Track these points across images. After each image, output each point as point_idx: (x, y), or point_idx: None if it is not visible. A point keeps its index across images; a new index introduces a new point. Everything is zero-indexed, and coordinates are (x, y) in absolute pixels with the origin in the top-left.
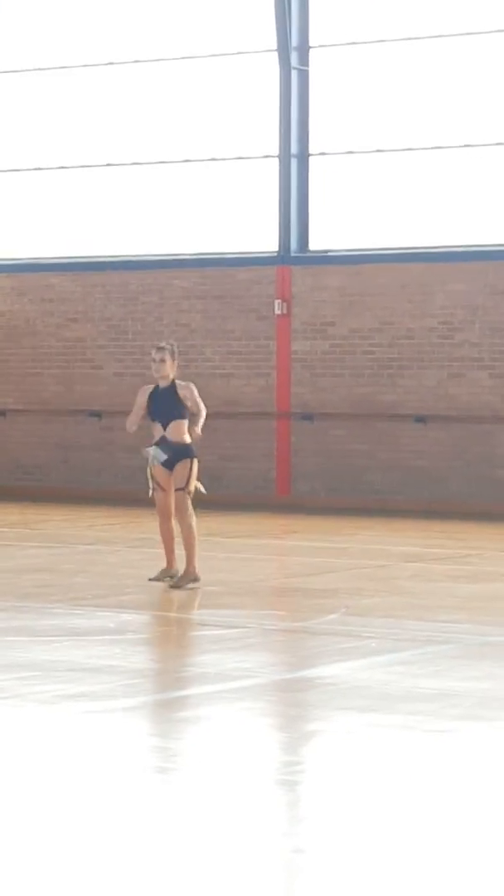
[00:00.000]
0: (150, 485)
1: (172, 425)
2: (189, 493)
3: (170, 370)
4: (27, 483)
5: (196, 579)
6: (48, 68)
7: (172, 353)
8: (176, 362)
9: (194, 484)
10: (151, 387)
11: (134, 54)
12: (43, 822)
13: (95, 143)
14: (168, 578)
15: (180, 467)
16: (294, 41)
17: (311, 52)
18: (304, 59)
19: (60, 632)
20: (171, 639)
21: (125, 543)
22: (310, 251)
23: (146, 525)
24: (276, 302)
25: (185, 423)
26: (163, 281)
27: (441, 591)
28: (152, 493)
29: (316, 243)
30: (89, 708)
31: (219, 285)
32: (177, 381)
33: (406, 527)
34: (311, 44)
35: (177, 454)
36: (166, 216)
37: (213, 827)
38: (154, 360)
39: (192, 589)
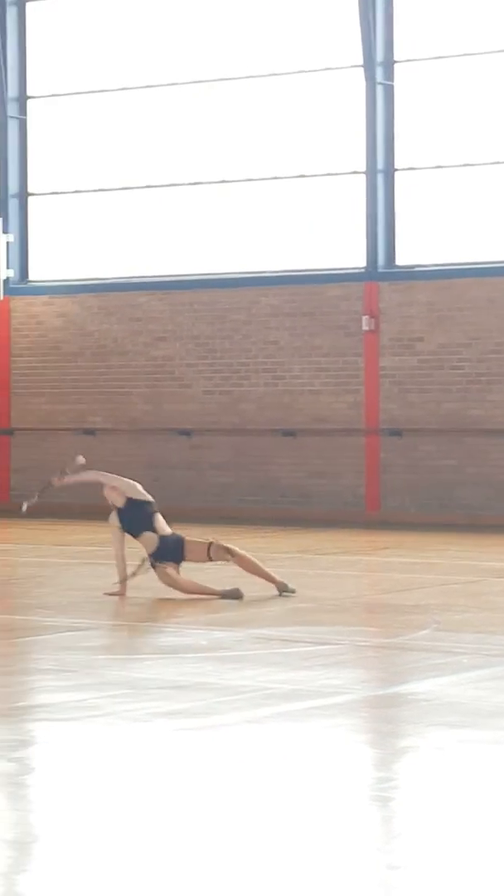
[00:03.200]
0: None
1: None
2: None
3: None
4: None
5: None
6: (137, 87)
7: None
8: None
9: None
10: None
11: (222, 72)
12: (136, 839)
13: (183, 161)
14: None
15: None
16: (379, 56)
17: (397, 67)
18: (389, 74)
19: (152, 649)
20: (263, 656)
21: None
22: (397, 266)
23: (236, 542)
24: (364, 318)
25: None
26: (250, 298)
27: None
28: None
29: (403, 258)
30: (182, 725)
31: (306, 302)
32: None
33: (496, 542)
34: (396, 58)
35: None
36: (254, 233)
37: (307, 843)
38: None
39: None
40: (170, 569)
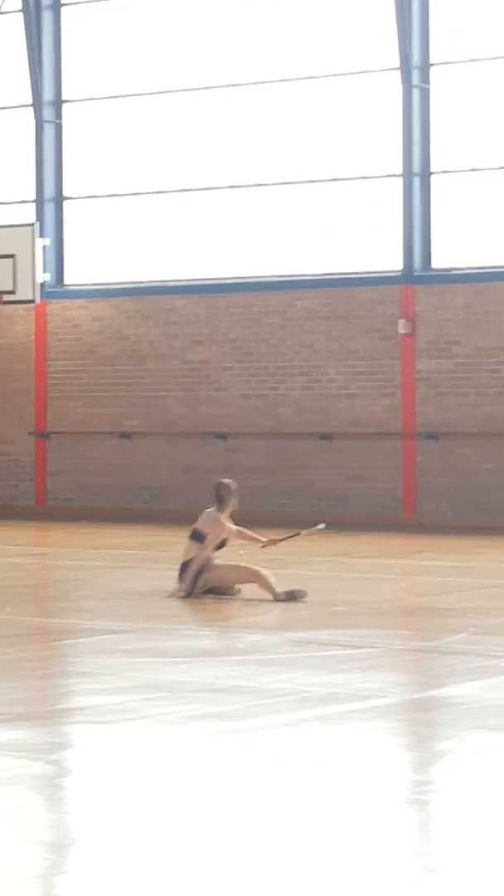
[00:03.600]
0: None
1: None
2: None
3: None
4: (153, 505)
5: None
6: (173, 91)
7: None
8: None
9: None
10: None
11: (257, 75)
12: (173, 841)
13: (218, 166)
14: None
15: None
16: (416, 59)
17: (433, 70)
18: (425, 77)
19: (189, 653)
20: (300, 659)
21: (252, 564)
22: (433, 269)
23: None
24: (400, 321)
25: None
26: (286, 302)
27: None
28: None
29: (439, 261)
30: (219, 728)
31: (342, 305)
32: None
33: None
34: (432, 61)
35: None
36: (289, 237)
37: (345, 845)
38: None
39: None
40: None
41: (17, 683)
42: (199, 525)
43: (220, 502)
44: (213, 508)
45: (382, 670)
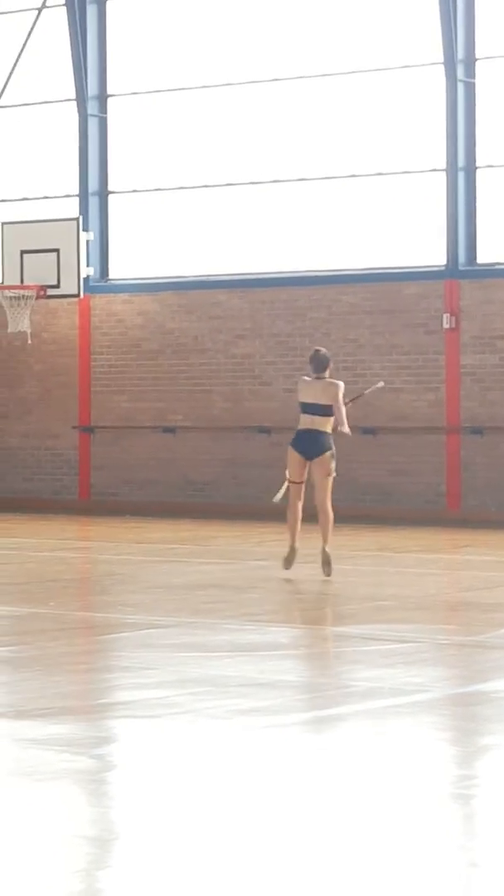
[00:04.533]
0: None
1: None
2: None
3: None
4: (197, 499)
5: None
6: (218, 85)
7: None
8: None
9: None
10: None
11: (301, 70)
12: (217, 836)
13: (263, 160)
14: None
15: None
16: (460, 54)
17: (478, 64)
18: (470, 72)
19: (232, 647)
20: (343, 654)
21: (296, 559)
22: (478, 264)
23: (316, 541)
24: (445, 316)
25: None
26: (330, 296)
27: None
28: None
29: (484, 256)
30: (263, 723)
31: (386, 300)
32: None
33: None
34: (477, 56)
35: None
36: (333, 231)
37: (389, 840)
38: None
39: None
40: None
41: (61, 678)
42: (314, 397)
43: (323, 370)
44: (312, 378)
45: (426, 665)
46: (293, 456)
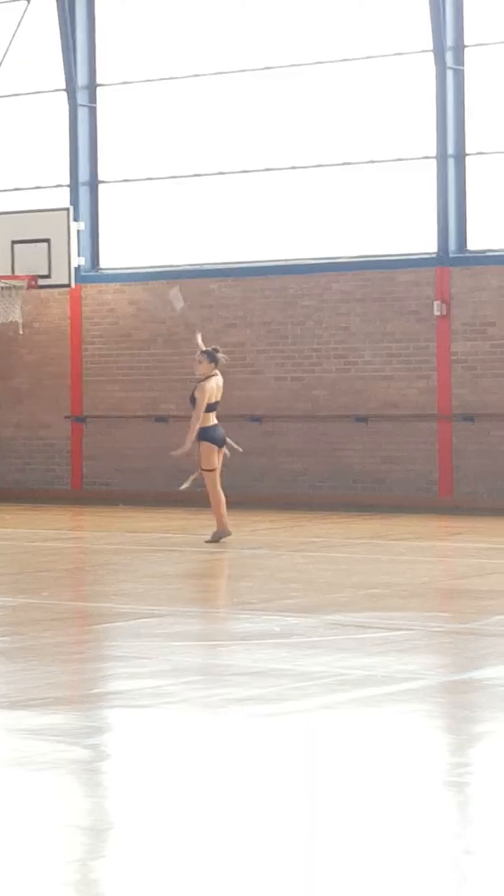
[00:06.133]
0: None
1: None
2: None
3: (205, 371)
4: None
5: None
6: (207, 74)
7: (210, 357)
8: (213, 364)
9: (208, 464)
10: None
11: (291, 58)
12: (211, 826)
13: (253, 148)
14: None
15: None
16: (449, 41)
17: (467, 52)
18: (459, 59)
19: (226, 636)
20: (337, 642)
21: (289, 547)
22: (469, 251)
23: (310, 529)
24: (436, 303)
25: (209, 414)
26: (322, 284)
27: None
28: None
29: (475, 243)
30: (256, 712)
31: (378, 287)
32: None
33: None
34: (466, 43)
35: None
36: (324, 219)
37: (382, 828)
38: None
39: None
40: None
41: (55, 668)
42: (217, 396)
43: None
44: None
45: (419, 652)
46: (213, 448)
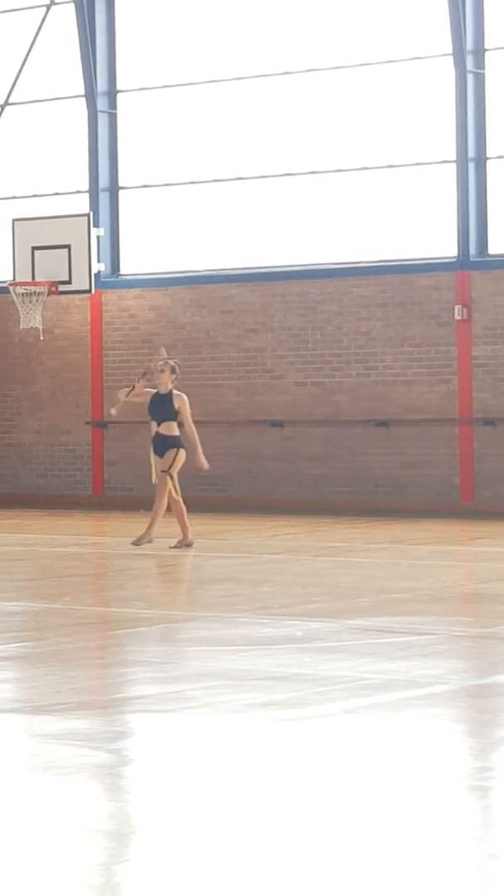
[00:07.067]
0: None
1: (164, 424)
2: (171, 475)
3: (167, 381)
4: (210, 494)
5: (149, 541)
6: (227, 79)
7: (173, 369)
8: (174, 376)
9: (177, 468)
10: (154, 391)
11: (311, 63)
12: (233, 830)
13: (273, 154)
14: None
15: (168, 455)
16: (469, 45)
17: (487, 55)
18: (479, 63)
19: (247, 641)
20: (359, 646)
21: (310, 552)
22: (489, 255)
23: (331, 534)
24: (457, 307)
25: (175, 423)
26: (342, 289)
27: None
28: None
29: (495, 247)
30: (278, 716)
31: (398, 292)
32: (173, 392)
33: None
34: (486, 46)
35: (166, 444)
36: (345, 224)
37: (406, 832)
38: (157, 370)
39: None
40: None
41: (78, 673)
42: None
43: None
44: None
45: (442, 657)
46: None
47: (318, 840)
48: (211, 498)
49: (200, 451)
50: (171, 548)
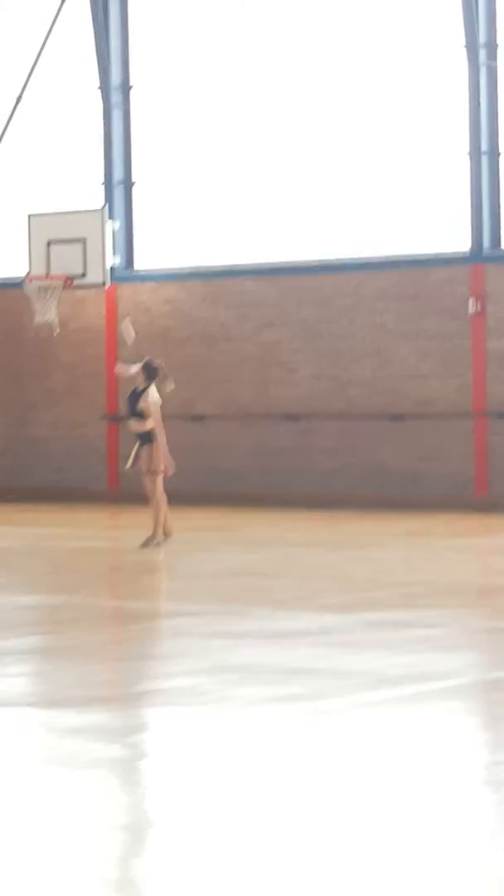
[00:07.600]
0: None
1: (132, 419)
2: (153, 471)
3: (141, 379)
4: (226, 488)
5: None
6: (239, 74)
7: (145, 368)
8: (145, 376)
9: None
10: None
11: (323, 58)
12: (249, 823)
13: (288, 148)
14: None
15: (143, 455)
16: (482, 38)
17: (500, 48)
18: (492, 55)
19: (264, 634)
20: (374, 640)
21: (325, 546)
22: (503, 248)
23: (344, 527)
24: (470, 300)
25: (142, 420)
26: (356, 283)
27: None
28: (130, 467)
29: None
30: (296, 710)
31: (412, 285)
32: (147, 391)
33: None
34: (499, 40)
35: (139, 439)
36: (358, 218)
37: (421, 825)
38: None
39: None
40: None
41: (94, 667)
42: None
43: (149, 379)
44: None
45: (458, 650)
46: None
47: (334, 833)
48: (226, 492)
49: (162, 454)
50: (139, 547)
